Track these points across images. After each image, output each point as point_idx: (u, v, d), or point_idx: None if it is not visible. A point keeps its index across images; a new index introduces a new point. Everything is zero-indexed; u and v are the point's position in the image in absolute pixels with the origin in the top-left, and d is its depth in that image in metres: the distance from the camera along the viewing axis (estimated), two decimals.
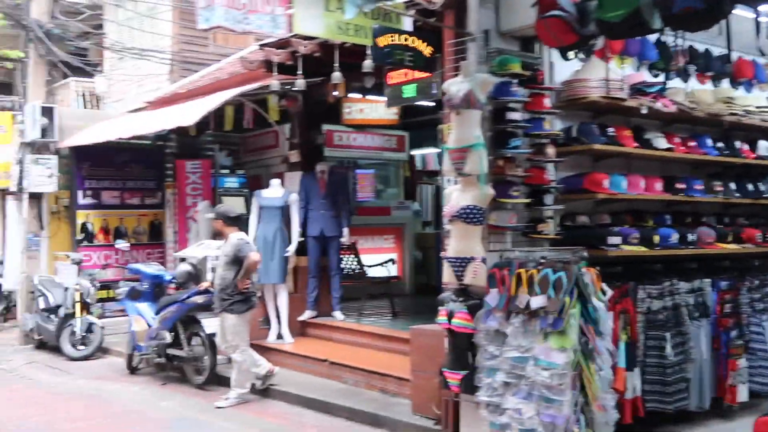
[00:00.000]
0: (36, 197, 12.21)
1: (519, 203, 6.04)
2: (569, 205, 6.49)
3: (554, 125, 6.34)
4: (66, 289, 10.97)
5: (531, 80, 6.11)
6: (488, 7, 6.04)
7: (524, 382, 5.21)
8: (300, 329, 9.60)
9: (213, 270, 8.72)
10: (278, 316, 9.34)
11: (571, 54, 6.02)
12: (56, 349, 10.73)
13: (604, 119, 6.76)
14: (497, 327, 5.43)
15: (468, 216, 5.59)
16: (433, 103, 9.03)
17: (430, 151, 14.03)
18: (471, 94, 5.52)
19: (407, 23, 6.78)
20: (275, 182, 9.47)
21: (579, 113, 6.65)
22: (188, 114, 9.61)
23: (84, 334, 10.56)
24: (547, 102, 6.23)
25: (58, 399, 8.37)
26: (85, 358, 10.41)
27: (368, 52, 6.92)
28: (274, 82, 8.47)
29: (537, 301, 5.12)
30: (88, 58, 15.19)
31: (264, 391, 8.08)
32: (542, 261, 5.27)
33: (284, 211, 9.32)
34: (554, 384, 4.97)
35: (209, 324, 8.36)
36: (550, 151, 6.23)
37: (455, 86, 5.65)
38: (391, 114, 11.79)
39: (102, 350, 10.68)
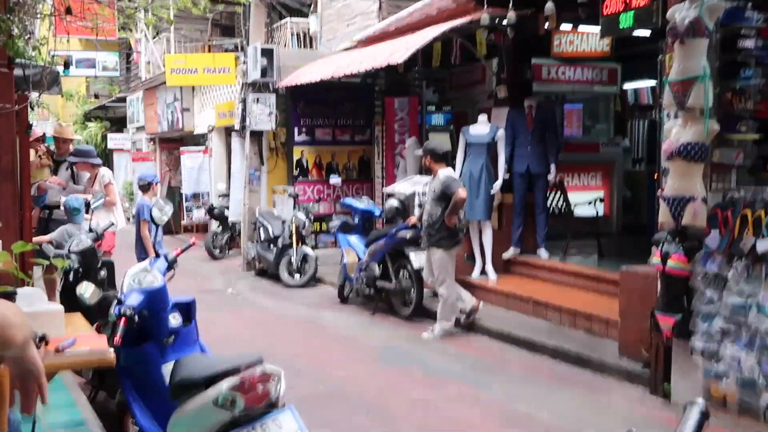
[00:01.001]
0: (257, 135, 13.03)
1: (747, 139, 5.58)
2: None
3: None
4: (283, 221, 11.72)
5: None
6: None
7: (745, 330, 4.92)
8: (504, 266, 9.61)
9: (420, 206, 8.90)
10: (482, 253, 9.39)
11: None
12: (275, 277, 11.55)
13: None
14: (717, 271, 5.15)
15: (689, 153, 5.26)
16: (648, 33, 8.49)
17: (643, 84, 13.28)
18: (698, 21, 5.13)
19: None
20: (482, 118, 9.40)
21: None
22: (397, 52, 9.72)
23: (300, 264, 11.26)
24: None
25: (279, 322, 9.05)
26: (301, 286, 11.13)
27: None
28: (485, 15, 8.34)
29: (765, 245, 4.77)
30: None
31: (468, 325, 8.22)
32: None
33: (491, 147, 9.26)
34: None
35: (416, 258, 8.58)
36: None
37: (681, 13, 5.27)
38: (603, 45, 11.25)
39: (315, 280, 11.36)
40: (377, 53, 10.51)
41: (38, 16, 6.64)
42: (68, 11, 6.10)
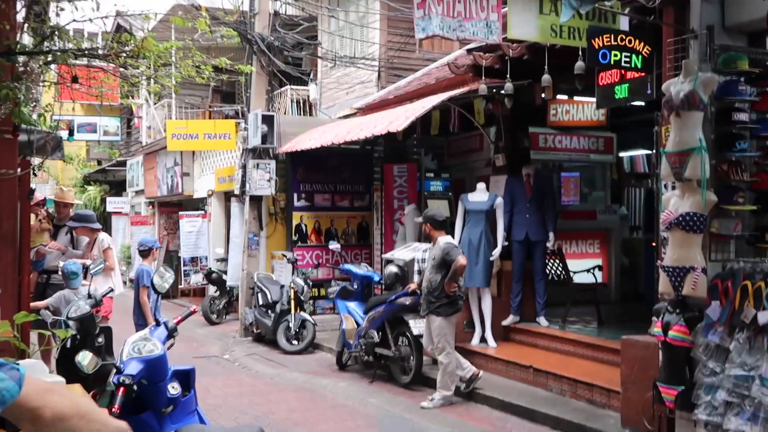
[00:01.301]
0: (256, 200, 13.09)
1: (744, 210, 5.64)
2: None
3: None
4: (282, 286, 11.69)
5: (761, 78, 5.68)
6: (712, 1, 5.70)
7: (748, 403, 4.87)
8: (503, 334, 9.55)
9: (420, 272, 8.90)
10: (482, 320, 9.35)
11: None
12: (272, 343, 11.44)
13: None
14: (719, 342, 5.12)
15: (688, 223, 5.30)
16: (643, 103, 8.64)
17: (639, 152, 13.44)
18: (693, 94, 5.23)
19: (623, 22, 6.54)
20: (480, 186, 9.46)
21: None
22: (397, 120, 9.86)
23: (298, 329, 11.18)
24: None
25: (276, 390, 8.93)
26: (298, 352, 11.02)
27: (580, 53, 6.75)
28: (483, 86, 8.50)
29: (765, 317, 4.76)
30: (303, 67, 16.08)
31: (468, 394, 8.13)
32: None
33: (489, 214, 9.30)
34: None
35: (416, 325, 8.53)
36: None
37: (676, 86, 5.38)
38: (598, 115, 11.42)
39: (313, 345, 11.26)
40: (377, 121, 10.65)
41: (44, 84, 6.76)
42: (75, 80, 6.21)
